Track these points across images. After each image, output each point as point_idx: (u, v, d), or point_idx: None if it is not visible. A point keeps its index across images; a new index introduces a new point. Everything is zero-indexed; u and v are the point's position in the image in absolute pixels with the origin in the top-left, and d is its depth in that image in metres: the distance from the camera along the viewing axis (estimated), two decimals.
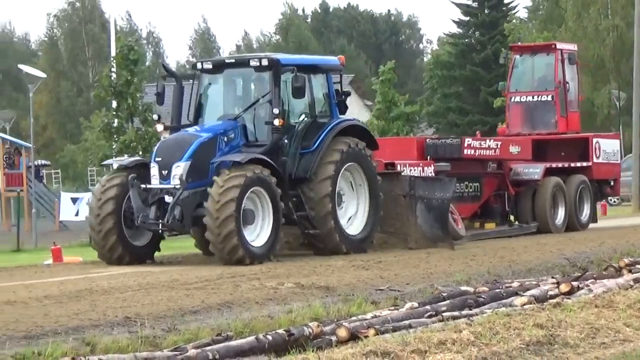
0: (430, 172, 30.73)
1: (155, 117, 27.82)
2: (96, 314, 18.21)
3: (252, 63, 26.56)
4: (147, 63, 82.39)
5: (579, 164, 35.72)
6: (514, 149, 33.42)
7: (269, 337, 13.78)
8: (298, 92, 26.07)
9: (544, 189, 33.58)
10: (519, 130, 36.71)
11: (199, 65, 27.54)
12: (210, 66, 27.26)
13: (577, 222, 34.72)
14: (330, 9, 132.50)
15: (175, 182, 24.89)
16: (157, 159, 25.47)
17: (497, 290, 18.31)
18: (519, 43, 40.05)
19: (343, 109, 28.12)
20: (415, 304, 17.17)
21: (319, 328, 14.57)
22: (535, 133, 36.45)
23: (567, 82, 36.48)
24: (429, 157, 31.68)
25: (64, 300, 20.13)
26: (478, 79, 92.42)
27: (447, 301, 17.09)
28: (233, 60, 27.89)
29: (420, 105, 58.54)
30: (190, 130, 26.60)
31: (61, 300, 20.15)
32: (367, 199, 27.75)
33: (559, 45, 37.60)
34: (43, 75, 60.78)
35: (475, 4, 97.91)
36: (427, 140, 32.65)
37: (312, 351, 13.32)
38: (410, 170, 30.04)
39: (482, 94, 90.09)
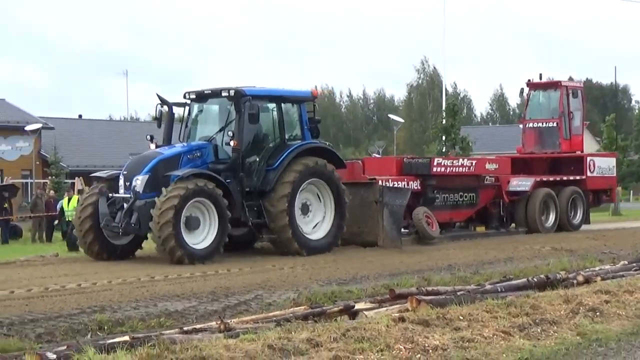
0: (417, 186, 23.94)
1: (148, 137, 20.92)
2: (431, 262, 18.29)
3: (223, 94, 20.30)
4: (463, 114, 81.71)
5: (572, 177, 28.81)
6: (490, 166, 26.40)
7: (535, 279, 13.54)
8: (252, 119, 19.65)
9: (534, 198, 26.89)
10: (531, 149, 30.14)
11: (186, 95, 21.25)
12: (194, 96, 21.08)
13: (568, 224, 27.84)
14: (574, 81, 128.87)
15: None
16: (124, 172, 19.47)
17: None
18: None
19: (315, 134, 21.36)
20: (626, 262, 16.69)
21: (566, 275, 14.31)
22: (551, 152, 29.69)
23: (571, 112, 29.53)
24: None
25: (410, 253, 20.29)
26: None
27: None
28: (210, 92, 20.93)
29: (630, 141, 55.92)
30: (172, 147, 20.48)
31: (408, 253, 20.33)
32: (333, 210, 20.85)
33: (564, 83, 30.45)
34: (402, 120, 61.86)
35: None
36: (404, 159, 25.22)
37: (561, 289, 12.98)
38: (395, 184, 23.22)
39: None
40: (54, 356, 8.38)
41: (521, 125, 31.98)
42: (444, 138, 47.51)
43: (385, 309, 11.37)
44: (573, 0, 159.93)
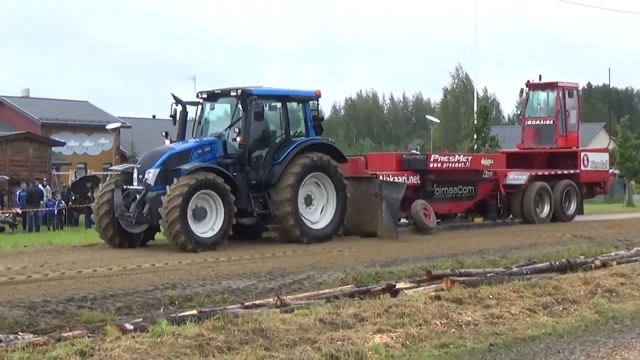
0: (416, 180, 22.77)
1: (163, 133, 20.10)
2: (463, 247, 18.15)
3: (232, 93, 19.36)
4: (492, 115, 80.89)
5: (566, 171, 27.24)
6: (486, 162, 25.05)
7: (557, 263, 13.46)
8: (257, 116, 18.76)
9: (529, 191, 25.53)
10: (530, 145, 28.74)
11: (199, 95, 20.31)
12: (206, 95, 20.11)
13: (562, 215, 26.34)
14: (593, 86, 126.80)
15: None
16: (138, 166, 18.71)
17: None
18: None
19: (319, 130, 20.32)
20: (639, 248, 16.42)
21: (585, 259, 14.21)
22: (548, 148, 28.23)
23: (567, 111, 28.16)
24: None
25: (445, 240, 20.13)
26: None
27: None
28: (220, 91, 19.91)
29: None
30: (174, 143, 19.55)
31: (441, 239, 20.20)
32: (335, 201, 19.86)
33: (560, 83, 28.44)
34: (438, 120, 61.45)
35: None
36: (403, 155, 24.01)
37: (581, 272, 12.86)
38: (395, 178, 21.93)
39: None
40: (132, 327, 8.49)
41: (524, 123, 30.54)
42: (475, 137, 47.12)
43: (423, 288, 11.38)
44: (595, 10, 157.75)
